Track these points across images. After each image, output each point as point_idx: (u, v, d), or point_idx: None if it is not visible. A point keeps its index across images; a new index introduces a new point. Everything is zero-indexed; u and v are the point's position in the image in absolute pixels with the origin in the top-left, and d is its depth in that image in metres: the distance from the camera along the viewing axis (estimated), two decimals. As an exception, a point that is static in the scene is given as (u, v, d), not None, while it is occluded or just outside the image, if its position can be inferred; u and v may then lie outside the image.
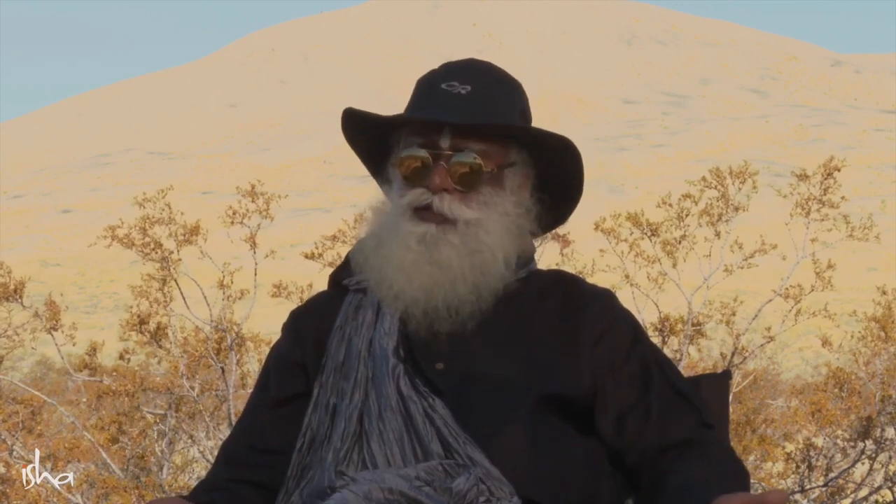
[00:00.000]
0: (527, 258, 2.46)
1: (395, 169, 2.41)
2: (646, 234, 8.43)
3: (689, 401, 2.39)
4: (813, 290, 8.37)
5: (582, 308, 2.41)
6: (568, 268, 8.25)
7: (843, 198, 8.61)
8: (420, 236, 2.34)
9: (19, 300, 7.94)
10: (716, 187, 8.47)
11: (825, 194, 8.54)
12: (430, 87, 2.44)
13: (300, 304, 2.75)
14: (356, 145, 2.51)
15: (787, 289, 8.48)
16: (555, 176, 2.45)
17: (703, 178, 8.52)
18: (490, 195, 2.37)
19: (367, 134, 2.47)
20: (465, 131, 2.36)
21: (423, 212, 2.36)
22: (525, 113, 2.46)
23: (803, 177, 8.55)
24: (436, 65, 2.54)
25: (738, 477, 2.30)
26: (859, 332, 9.31)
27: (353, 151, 2.53)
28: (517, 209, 2.40)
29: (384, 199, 2.47)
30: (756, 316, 8.51)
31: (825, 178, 8.52)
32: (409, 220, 2.35)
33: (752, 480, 9.68)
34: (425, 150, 2.36)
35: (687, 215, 8.44)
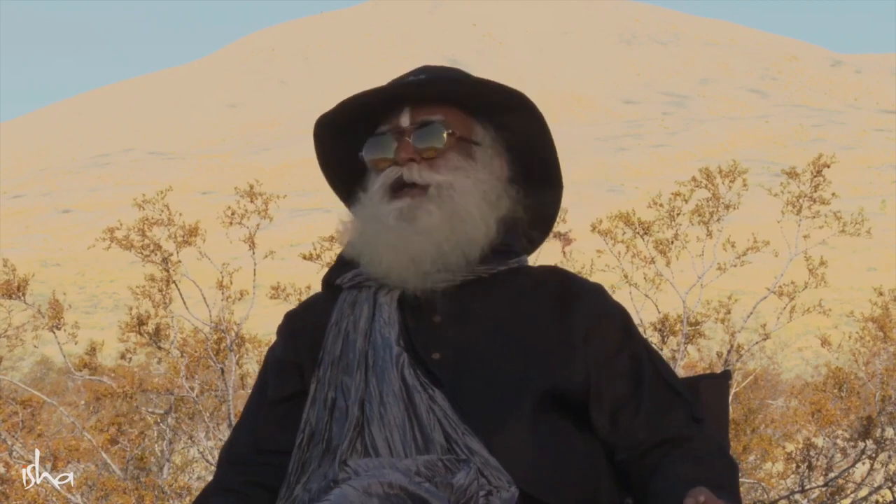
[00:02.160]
0: (514, 245, 2.48)
1: (368, 166, 2.47)
2: (638, 233, 8.44)
3: (680, 395, 2.41)
4: (807, 287, 8.38)
5: (574, 302, 2.43)
6: (568, 268, 8.25)
7: (833, 194, 8.61)
8: (398, 212, 2.38)
9: (22, 298, 7.94)
10: (706, 187, 8.48)
11: (815, 191, 8.54)
12: (390, 83, 2.50)
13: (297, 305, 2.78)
14: (330, 170, 2.58)
15: (780, 286, 8.49)
16: (525, 149, 2.49)
17: (693, 178, 8.53)
18: (458, 161, 2.42)
19: (340, 154, 2.54)
20: (422, 105, 2.44)
21: (397, 190, 2.41)
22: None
23: (793, 174, 8.56)
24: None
25: (724, 472, 2.31)
26: (857, 332, 9.32)
27: (327, 180, 2.60)
28: (490, 177, 2.44)
29: (350, 217, 2.51)
30: (751, 314, 8.50)
31: (815, 176, 8.53)
32: (388, 202, 2.41)
33: (752, 480, 9.59)
34: (388, 131, 2.43)
35: (678, 214, 8.44)
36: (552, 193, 2.55)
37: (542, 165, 2.52)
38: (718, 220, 8.44)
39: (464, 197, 2.39)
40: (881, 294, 9.23)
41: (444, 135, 2.42)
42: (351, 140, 2.51)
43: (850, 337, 9.26)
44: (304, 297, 7.51)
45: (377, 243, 2.39)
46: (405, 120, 2.44)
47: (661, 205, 8.45)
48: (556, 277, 2.48)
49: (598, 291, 2.47)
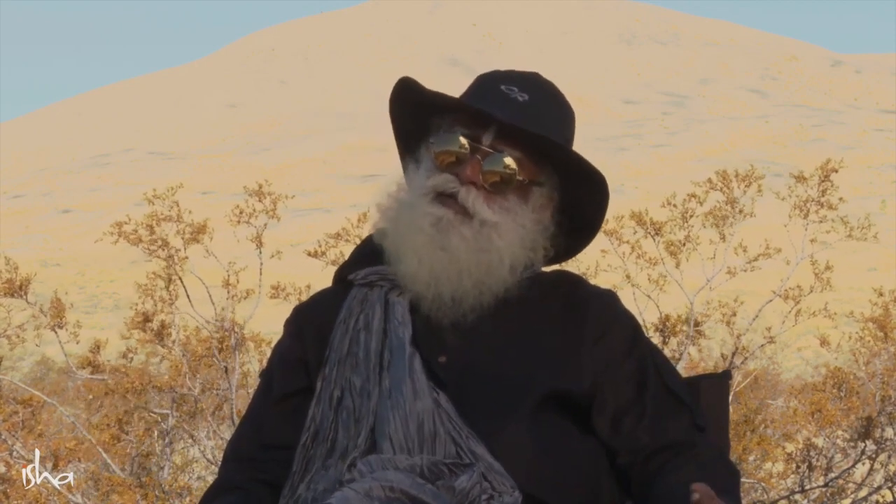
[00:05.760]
0: (533, 266, 2.47)
1: (429, 151, 2.44)
2: (649, 233, 8.43)
3: (683, 402, 2.42)
4: (812, 291, 8.38)
5: (584, 308, 2.44)
6: (571, 268, 8.25)
7: (840, 199, 8.61)
8: (435, 219, 2.37)
9: (24, 296, 7.94)
10: (721, 189, 8.46)
11: (823, 196, 8.54)
12: (490, 84, 2.47)
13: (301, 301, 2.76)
14: (396, 119, 2.53)
15: (786, 290, 8.48)
16: (577, 208, 2.48)
17: (709, 180, 8.51)
18: (514, 203, 2.40)
19: (412, 113, 2.49)
20: (508, 135, 2.40)
21: (445, 198, 2.38)
22: (569, 141, 2.49)
23: (801, 179, 8.55)
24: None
25: (727, 478, 2.32)
26: (857, 332, 9.32)
27: (391, 123, 2.54)
28: (535, 226, 2.43)
29: (400, 181, 2.49)
30: (756, 317, 8.50)
31: (823, 180, 8.52)
32: (430, 203, 2.38)
33: (752, 480, 9.60)
34: (466, 141, 2.39)
35: (692, 216, 8.43)
36: (585, 240, 2.55)
37: (587, 222, 2.52)
38: (732, 224, 8.43)
39: (502, 239, 2.38)
40: (881, 294, 9.23)
41: (514, 176, 2.40)
42: (418, 106, 2.47)
43: (850, 337, 9.26)
44: (303, 297, 7.51)
45: (405, 238, 2.39)
46: (487, 139, 2.40)
47: (674, 205, 8.44)
48: (567, 284, 2.49)
49: (608, 297, 2.48)
